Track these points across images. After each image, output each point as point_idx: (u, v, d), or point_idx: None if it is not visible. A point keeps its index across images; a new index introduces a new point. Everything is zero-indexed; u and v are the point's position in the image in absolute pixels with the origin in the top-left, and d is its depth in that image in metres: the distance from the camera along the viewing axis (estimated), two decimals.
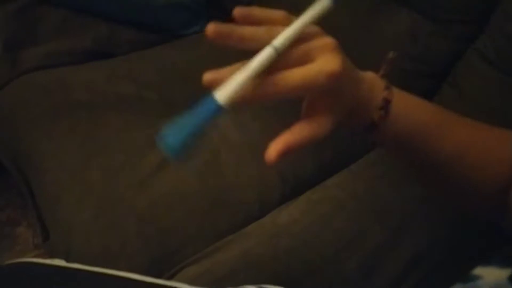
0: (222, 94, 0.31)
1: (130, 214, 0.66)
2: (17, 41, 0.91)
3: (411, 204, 0.65)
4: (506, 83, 0.65)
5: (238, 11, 0.32)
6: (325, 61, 0.31)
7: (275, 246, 0.62)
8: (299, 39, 0.32)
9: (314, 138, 0.33)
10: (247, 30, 0.32)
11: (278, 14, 0.34)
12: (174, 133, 0.31)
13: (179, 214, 0.66)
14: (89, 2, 0.98)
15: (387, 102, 0.36)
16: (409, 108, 0.38)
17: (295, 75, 0.31)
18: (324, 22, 0.95)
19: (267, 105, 0.78)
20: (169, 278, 0.61)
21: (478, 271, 0.33)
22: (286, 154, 0.32)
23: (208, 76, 0.33)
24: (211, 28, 0.31)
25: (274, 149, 0.32)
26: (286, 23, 0.33)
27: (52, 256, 0.84)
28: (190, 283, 0.58)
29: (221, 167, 0.71)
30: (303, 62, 0.32)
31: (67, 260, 0.62)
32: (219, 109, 0.31)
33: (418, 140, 0.38)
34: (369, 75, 0.38)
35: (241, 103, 0.31)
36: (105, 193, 0.68)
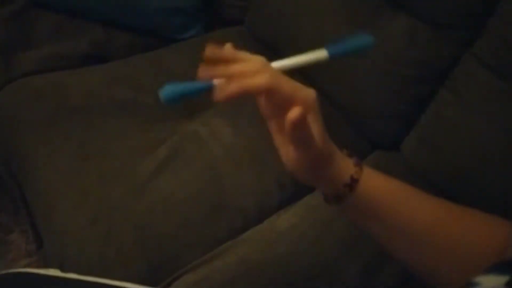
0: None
1: (127, 221, 0.65)
2: (12, 45, 0.91)
3: None
4: (503, 88, 0.65)
5: (209, 51, 0.35)
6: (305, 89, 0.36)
7: (274, 252, 0.62)
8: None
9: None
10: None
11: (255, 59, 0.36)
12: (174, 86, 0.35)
13: (177, 221, 0.65)
14: (85, 6, 0.97)
15: (353, 181, 0.39)
16: (376, 186, 0.40)
17: (288, 85, 0.35)
18: (323, 27, 0.95)
19: None
20: (167, 286, 0.60)
21: (477, 278, 0.33)
22: None
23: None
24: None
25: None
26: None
27: (45, 263, 0.82)
28: None
29: (219, 173, 0.71)
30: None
31: (62, 268, 0.61)
32: (210, 84, 0.35)
33: (386, 212, 0.39)
34: (338, 152, 0.40)
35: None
36: (101, 199, 0.67)
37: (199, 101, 0.87)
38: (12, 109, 0.82)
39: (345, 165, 0.39)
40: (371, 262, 0.61)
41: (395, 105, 0.77)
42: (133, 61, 0.92)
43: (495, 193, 0.64)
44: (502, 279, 0.31)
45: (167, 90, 0.35)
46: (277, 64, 0.36)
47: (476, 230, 0.39)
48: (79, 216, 0.66)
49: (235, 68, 0.34)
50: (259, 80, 0.34)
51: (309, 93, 0.36)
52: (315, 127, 0.36)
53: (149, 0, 0.97)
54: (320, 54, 0.38)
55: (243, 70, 0.34)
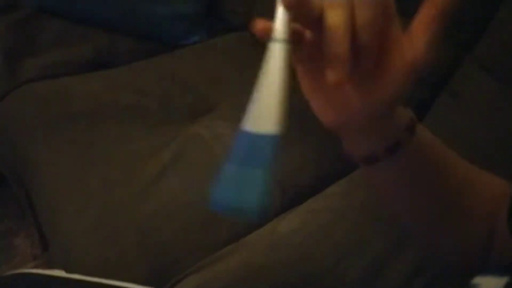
0: (267, 121, 0.25)
1: (130, 224, 0.65)
2: (17, 52, 0.92)
3: None
4: (503, 91, 0.65)
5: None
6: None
7: (275, 256, 0.62)
8: None
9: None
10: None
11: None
12: (246, 191, 0.24)
13: (179, 224, 0.66)
14: (89, 13, 0.98)
15: (414, 122, 0.34)
16: (427, 137, 0.37)
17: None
18: None
19: None
20: None
21: (477, 280, 0.33)
22: None
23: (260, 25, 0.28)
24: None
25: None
26: None
27: (50, 266, 0.83)
28: None
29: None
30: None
31: (67, 270, 0.62)
32: (276, 137, 0.25)
33: (436, 166, 0.37)
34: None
35: None
36: (105, 203, 0.67)
37: (202, 104, 0.88)
38: (17, 115, 0.83)
39: (403, 111, 0.34)
40: (372, 266, 0.60)
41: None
42: (137, 67, 0.93)
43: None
44: (501, 281, 0.31)
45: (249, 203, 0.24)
46: None
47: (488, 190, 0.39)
48: (83, 219, 0.67)
49: None
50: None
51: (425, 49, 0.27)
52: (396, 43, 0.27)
53: (152, 7, 0.98)
54: None
55: None
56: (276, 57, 0.26)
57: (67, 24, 0.97)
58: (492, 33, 0.66)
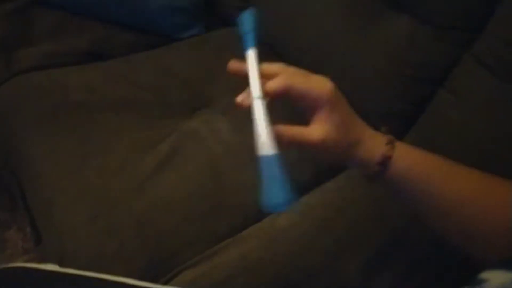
0: (267, 148, 0.37)
1: (127, 217, 0.65)
2: (13, 42, 0.91)
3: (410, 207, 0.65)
4: (503, 89, 0.65)
5: (232, 66, 0.41)
6: (323, 79, 0.39)
7: (273, 250, 0.62)
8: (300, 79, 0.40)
9: (305, 139, 0.39)
10: None
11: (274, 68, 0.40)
12: (272, 194, 0.35)
13: (177, 217, 0.65)
14: (86, 4, 0.97)
15: (386, 158, 0.39)
16: (411, 162, 0.40)
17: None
18: (323, 28, 0.95)
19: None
20: (166, 282, 0.60)
21: (484, 274, 0.33)
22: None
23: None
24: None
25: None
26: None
27: (43, 260, 0.82)
28: (187, 287, 0.57)
29: (219, 170, 0.71)
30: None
31: (61, 265, 0.61)
32: (275, 156, 0.36)
33: (419, 190, 0.40)
34: (368, 133, 0.41)
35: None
36: (102, 195, 0.67)
37: (200, 99, 0.88)
38: (11, 105, 0.82)
39: (376, 145, 0.40)
40: (370, 261, 0.60)
41: (395, 106, 0.77)
42: (134, 59, 0.92)
43: None
44: (509, 276, 0.31)
45: (273, 199, 0.36)
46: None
47: (503, 198, 0.40)
48: (79, 212, 0.66)
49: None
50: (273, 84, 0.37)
51: (322, 91, 0.38)
52: (334, 118, 0.38)
53: None
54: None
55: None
56: (258, 110, 0.38)
57: (64, 14, 0.96)
58: (491, 29, 0.66)
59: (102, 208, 0.65)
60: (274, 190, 0.35)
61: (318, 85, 0.39)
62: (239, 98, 0.40)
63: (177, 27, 1.02)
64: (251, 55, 0.41)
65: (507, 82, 0.64)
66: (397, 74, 0.75)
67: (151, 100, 0.83)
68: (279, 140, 0.38)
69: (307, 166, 0.74)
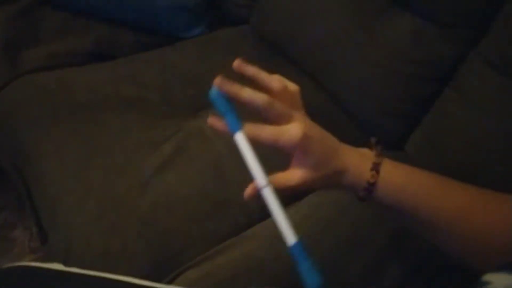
0: (289, 237, 0.39)
1: (131, 216, 0.65)
2: (18, 42, 0.91)
3: None
4: (509, 86, 0.65)
5: (237, 64, 0.41)
6: (293, 125, 0.39)
7: (276, 249, 0.62)
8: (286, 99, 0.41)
9: (285, 186, 0.40)
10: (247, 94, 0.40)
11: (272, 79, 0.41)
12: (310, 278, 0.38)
13: (181, 217, 0.65)
14: (91, 4, 0.97)
15: (370, 185, 0.40)
16: (398, 183, 0.41)
17: (268, 134, 0.39)
18: (328, 26, 0.95)
19: None
20: (170, 281, 0.60)
21: (488, 277, 0.32)
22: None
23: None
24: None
25: (249, 192, 0.41)
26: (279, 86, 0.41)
27: (49, 259, 0.83)
28: (190, 287, 0.57)
29: (223, 169, 0.71)
30: (279, 120, 0.40)
31: (66, 264, 0.61)
32: (300, 244, 0.39)
33: (409, 208, 0.41)
34: (353, 160, 0.41)
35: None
36: (106, 195, 0.67)
37: (204, 98, 0.87)
38: (17, 106, 0.83)
39: (362, 171, 0.41)
40: (372, 262, 0.60)
41: (400, 104, 0.77)
42: (138, 59, 0.93)
43: (501, 191, 0.64)
44: None
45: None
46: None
47: (500, 213, 0.40)
48: (84, 211, 0.66)
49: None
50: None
51: (291, 137, 0.39)
52: (309, 161, 0.39)
53: None
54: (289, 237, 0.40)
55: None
56: (269, 199, 0.40)
57: (69, 15, 0.96)
58: (497, 28, 0.66)
59: (106, 207, 0.66)
60: (309, 274, 0.38)
61: (285, 133, 0.39)
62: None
63: (181, 27, 1.02)
64: (241, 138, 0.40)
65: None
66: (402, 72, 0.75)
67: (156, 99, 0.83)
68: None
69: None
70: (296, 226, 0.66)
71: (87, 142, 0.73)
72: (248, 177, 0.69)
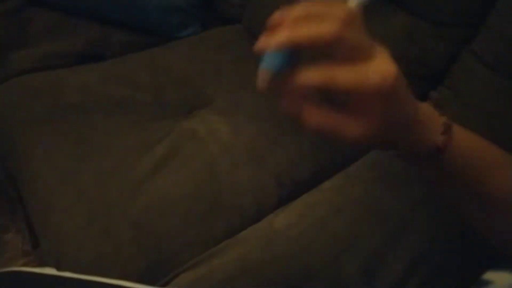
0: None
1: (124, 219, 0.64)
2: (9, 43, 0.90)
3: (409, 206, 0.64)
4: (502, 85, 0.65)
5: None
6: (380, 62, 0.29)
7: (272, 251, 0.61)
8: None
9: (348, 135, 0.30)
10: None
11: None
12: None
13: (174, 219, 0.65)
14: (82, 4, 0.96)
15: (448, 127, 0.34)
16: (466, 139, 0.36)
17: (347, 78, 0.28)
18: None
19: (262, 109, 0.78)
20: (164, 284, 0.60)
21: (489, 275, 0.32)
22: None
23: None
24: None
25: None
26: None
27: (42, 263, 0.82)
28: None
29: (216, 171, 0.70)
30: (354, 57, 0.28)
31: (58, 268, 0.60)
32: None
33: (471, 173, 0.36)
34: (424, 104, 0.35)
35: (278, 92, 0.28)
36: (98, 198, 0.66)
37: (197, 99, 0.87)
38: (8, 107, 0.81)
39: (432, 132, 0.33)
40: (370, 260, 0.60)
41: None
42: (130, 59, 0.92)
43: None
44: None
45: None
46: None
47: None
48: (76, 214, 0.65)
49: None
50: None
51: (383, 78, 0.27)
52: (387, 115, 0.29)
53: None
54: None
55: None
56: None
57: (59, 15, 0.95)
58: (490, 26, 0.66)
59: (99, 210, 0.65)
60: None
61: (375, 76, 0.27)
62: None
63: (174, 27, 1.02)
64: None
65: (507, 78, 0.64)
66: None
67: (148, 100, 0.82)
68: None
69: (306, 165, 0.74)
70: (292, 225, 0.66)
71: (78, 144, 0.73)
72: (242, 178, 0.69)
